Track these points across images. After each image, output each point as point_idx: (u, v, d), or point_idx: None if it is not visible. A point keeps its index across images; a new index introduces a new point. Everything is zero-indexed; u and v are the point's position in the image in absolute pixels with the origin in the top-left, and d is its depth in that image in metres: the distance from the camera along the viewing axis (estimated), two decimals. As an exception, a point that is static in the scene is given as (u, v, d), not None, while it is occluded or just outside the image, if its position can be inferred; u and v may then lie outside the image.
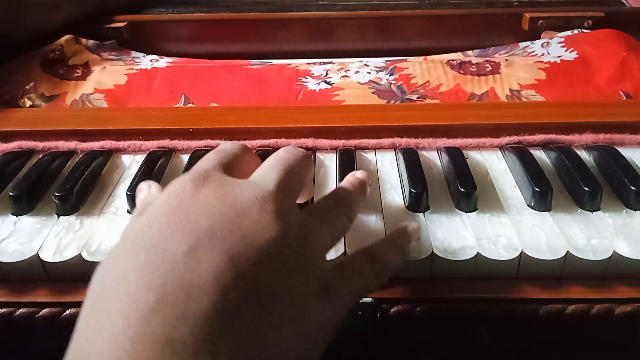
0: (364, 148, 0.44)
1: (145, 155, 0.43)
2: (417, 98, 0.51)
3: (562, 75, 0.53)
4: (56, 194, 0.38)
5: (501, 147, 0.44)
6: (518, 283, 0.35)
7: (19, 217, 0.38)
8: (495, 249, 0.34)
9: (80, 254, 0.34)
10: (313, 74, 0.55)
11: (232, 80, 0.54)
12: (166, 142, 0.45)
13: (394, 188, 0.40)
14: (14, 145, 0.45)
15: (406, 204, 0.38)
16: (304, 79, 0.54)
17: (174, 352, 0.20)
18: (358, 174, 0.34)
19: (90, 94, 0.54)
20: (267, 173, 0.29)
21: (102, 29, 0.63)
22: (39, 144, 0.45)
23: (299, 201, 0.32)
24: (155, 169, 0.41)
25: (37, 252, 0.35)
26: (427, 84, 0.53)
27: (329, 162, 0.43)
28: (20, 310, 0.34)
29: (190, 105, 0.52)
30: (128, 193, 0.38)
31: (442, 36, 0.64)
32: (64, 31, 0.61)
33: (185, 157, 0.43)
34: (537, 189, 0.37)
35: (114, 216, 0.38)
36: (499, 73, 0.54)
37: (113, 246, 0.26)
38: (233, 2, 0.69)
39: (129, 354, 0.20)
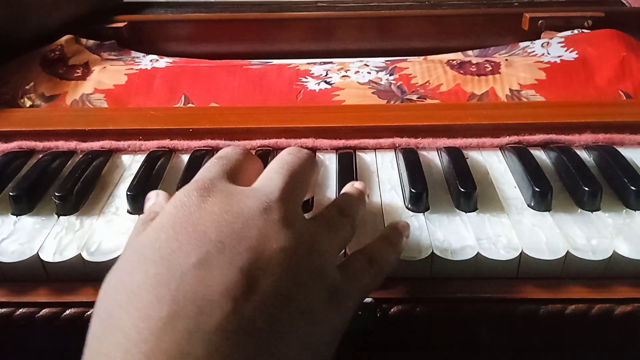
0: (364, 148, 0.44)
1: (145, 155, 0.43)
2: (417, 98, 0.51)
3: (562, 75, 0.53)
4: (56, 194, 0.38)
5: (501, 147, 0.44)
6: (518, 283, 0.35)
7: (19, 217, 0.38)
8: (495, 249, 0.34)
9: (80, 254, 0.34)
10: (313, 74, 0.55)
11: (232, 80, 0.54)
12: (166, 142, 0.44)
13: (394, 188, 0.40)
14: (14, 145, 0.45)
15: (406, 204, 0.38)
16: (304, 79, 0.54)
17: None
18: (357, 185, 0.35)
19: (90, 94, 0.54)
20: (272, 179, 0.29)
21: (102, 29, 0.63)
22: (39, 144, 0.45)
23: None
24: (155, 169, 0.41)
25: (37, 252, 0.35)
26: (427, 84, 0.53)
27: (329, 162, 0.43)
28: (20, 310, 0.34)
29: (190, 105, 0.52)
30: (128, 193, 0.38)
31: (442, 36, 0.64)
32: (64, 31, 0.61)
33: (185, 157, 0.43)
34: (537, 189, 0.37)
35: (114, 216, 0.38)
36: (499, 73, 0.54)
37: (119, 259, 0.25)
38: (233, 2, 0.69)
39: None
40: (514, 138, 0.44)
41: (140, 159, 0.43)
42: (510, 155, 0.42)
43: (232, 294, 0.22)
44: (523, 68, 0.54)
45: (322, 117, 0.46)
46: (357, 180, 0.39)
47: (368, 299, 0.33)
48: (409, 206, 0.38)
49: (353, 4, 0.66)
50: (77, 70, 0.57)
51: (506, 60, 0.56)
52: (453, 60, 0.57)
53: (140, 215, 0.31)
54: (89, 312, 0.34)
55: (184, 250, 0.24)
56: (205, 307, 0.22)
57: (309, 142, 0.44)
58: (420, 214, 0.37)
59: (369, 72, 0.55)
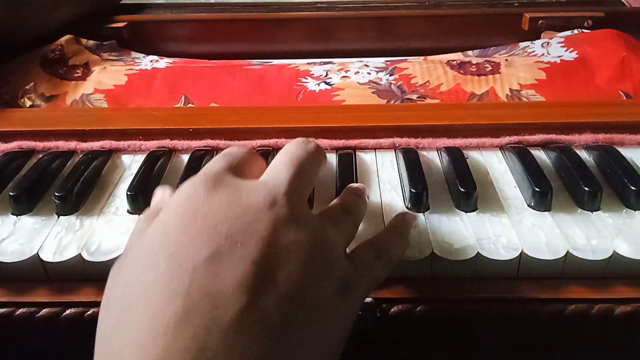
0: (364, 148, 0.44)
1: (145, 155, 0.43)
2: (417, 98, 0.51)
3: (562, 75, 0.53)
4: (56, 194, 0.38)
5: (501, 147, 0.44)
6: (518, 283, 0.35)
7: (19, 217, 0.38)
8: (495, 249, 0.34)
9: (80, 254, 0.34)
10: (313, 74, 0.55)
11: (232, 80, 0.54)
12: (166, 142, 0.44)
13: (394, 188, 0.40)
14: (14, 145, 0.45)
15: (406, 204, 0.38)
16: (304, 80, 0.54)
17: (206, 359, 0.20)
18: (356, 186, 0.35)
19: (90, 94, 0.54)
20: (279, 172, 0.28)
21: (102, 29, 0.63)
22: (39, 144, 0.45)
23: None
24: (155, 169, 0.41)
25: (37, 252, 0.35)
26: (427, 83, 0.53)
27: (329, 162, 0.43)
28: (20, 310, 0.34)
29: (190, 105, 0.52)
30: (128, 193, 0.38)
31: (442, 36, 0.64)
32: (64, 31, 0.61)
33: (185, 157, 0.43)
34: (537, 189, 0.37)
35: (114, 216, 0.38)
36: (499, 73, 0.54)
37: (125, 255, 0.25)
38: (233, 2, 0.69)
39: None
40: (514, 138, 0.44)
41: (140, 159, 0.43)
42: (510, 155, 0.42)
43: (246, 288, 0.22)
44: (523, 68, 0.54)
45: (322, 117, 0.46)
46: (357, 180, 0.40)
47: (368, 299, 0.33)
48: (409, 206, 0.38)
49: (353, 4, 0.67)
50: (77, 71, 0.57)
51: (506, 60, 0.56)
52: (453, 60, 0.57)
53: (145, 210, 0.31)
54: (89, 312, 0.34)
55: (195, 244, 0.23)
56: (220, 301, 0.22)
57: (309, 142, 0.44)
58: (420, 214, 0.37)
59: (369, 73, 0.55)
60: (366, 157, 0.44)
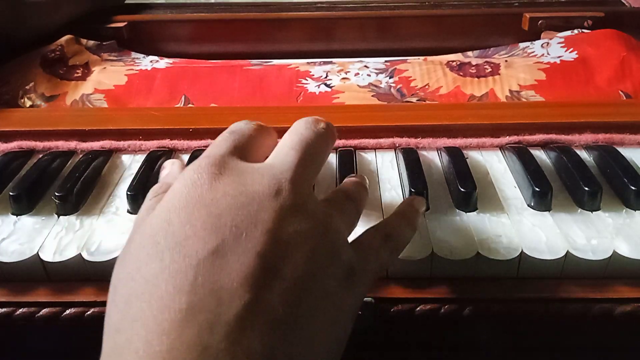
0: (364, 148, 0.44)
1: (145, 155, 0.43)
2: (417, 101, 0.51)
3: (562, 76, 0.53)
4: (56, 193, 0.38)
5: (501, 147, 0.44)
6: (518, 283, 0.35)
7: (19, 217, 0.38)
8: (495, 249, 0.34)
9: (80, 254, 0.34)
10: (313, 75, 0.55)
11: (232, 81, 0.54)
12: (166, 142, 0.44)
13: (394, 188, 0.40)
14: (14, 145, 0.45)
15: (406, 204, 0.38)
16: (304, 81, 0.54)
17: (211, 357, 0.20)
18: (357, 176, 0.34)
19: (90, 94, 0.54)
20: (287, 154, 0.28)
21: (102, 29, 0.63)
22: (39, 144, 0.45)
23: None
24: (155, 169, 0.41)
25: (37, 252, 0.35)
26: (427, 86, 0.53)
27: (329, 161, 0.43)
28: (20, 310, 0.34)
29: (190, 105, 0.52)
30: (128, 193, 0.38)
31: (442, 36, 0.64)
32: (64, 31, 0.61)
33: (186, 157, 0.43)
34: (537, 189, 0.37)
35: (114, 216, 0.38)
36: (499, 74, 0.54)
37: (129, 241, 0.25)
38: (233, 2, 0.69)
39: None
40: (514, 138, 0.44)
41: (140, 159, 0.43)
42: (510, 155, 0.42)
43: (251, 283, 0.22)
44: (523, 69, 0.54)
45: (322, 117, 0.46)
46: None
47: (368, 299, 0.33)
48: (409, 206, 0.38)
49: (353, 4, 0.67)
50: (77, 71, 0.57)
51: (506, 61, 0.56)
52: (453, 61, 0.57)
53: (153, 187, 0.30)
54: (89, 312, 0.34)
55: (199, 236, 0.23)
56: (225, 297, 0.21)
57: (309, 142, 0.44)
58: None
59: (368, 75, 0.55)
60: (366, 157, 0.44)
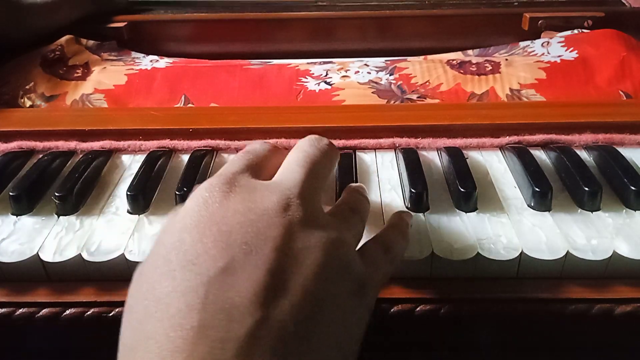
0: (364, 148, 0.44)
1: (145, 155, 0.43)
2: (417, 97, 0.51)
3: (562, 75, 0.53)
4: (56, 194, 0.38)
5: (501, 147, 0.44)
6: (518, 283, 0.35)
7: (19, 217, 0.38)
8: (495, 249, 0.34)
9: (80, 254, 0.34)
10: (313, 74, 0.55)
11: (232, 80, 0.54)
12: (166, 142, 0.44)
13: (394, 188, 0.40)
14: (14, 145, 0.45)
15: (406, 204, 0.38)
16: (304, 79, 0.54)
17: None
18: (356, 185, 0.35)
19: (90, 94, 0.54)
20: (293, 171, 0.28)
21: (102, 29, 0.63)
22: (39, 144, 0.45)
23: None
24: (155, 169, 0.41)
25: (37, 252, 0.35)
26: (427, 83, 0.53)
27: (329, 162, 0.43)
28: (20, 310, 0.34)
29: (190, 105, 0.52)
30: (128, 193, 0.38)
31: (442, 36, 0.64)
32: (64, 31, 0.61)
33: (185, 157, 0.43)
34: (537, 189, 0.37)
35: (114, 216, 0.38)
36: (499, 72, 0.54)
37: (144, 261, 0.25)
38: (233, 2, 0.69)
39: None
40: (514, 138, 0.44)
41: (140, 159, 0.43)
42: (510, 155, 0.42)
43: (261, 299, 0.22)
44: (523, 68, 0.54)
45: (322, 117, 0.46)
46: (357, 180, 0.40)
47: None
48: (409, 206, 0.38)
49: (353, 4, 0.66)
50: (77, 71, 0.57)
51: (506, 59, 0.56)
52: (453, 60, 0.57)
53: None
54: (89, 312, 0.34)
55: (210, 254, 0.23)
56: (235, 315, 0.22)
57: (309, 142, 0.44)
58: (420, 214, 0.37)
59: (369, 72, 0.55)
60: (366, 157, 0.44)
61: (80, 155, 0.44)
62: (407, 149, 0.43)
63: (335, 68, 0.56)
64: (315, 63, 0.57)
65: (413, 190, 0.37)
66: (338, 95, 0.52)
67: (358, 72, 0.55)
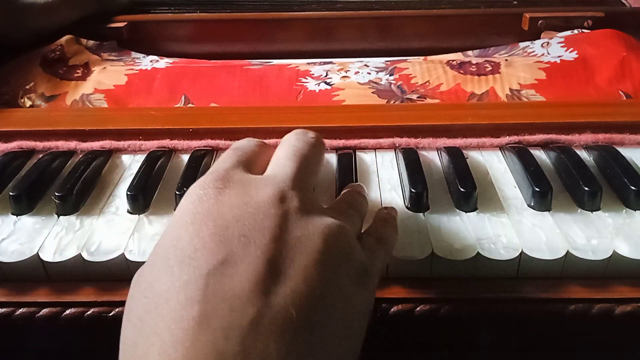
0: (364, 148, 0.44)
1: (145, 155, 0.43)
2: (417, 98, 0.51)
3: (562, 75, 0.53)
4: (56, 193, 0.38)
5: (501, 147, 0.44)
6: (518, 283, 0.35)
7: (19, 217, 0.38)
8: (495, 249, 0.34)
9: (80, 254, 0.34)
10: (313, 74, 0.55)
11: (232, 80, 0.54)
12: (166, 142, 0.44)
13: (394, 188, 0.40)
14: (14, 145, 0.45)
15: (406, 204, 0.38)
16: (304, 80, 0.54)
17: None
18: (355, 185, 0.35)
19: (90, 94, 0.54)
20: (284, 165, 0.29)
21: (102, 29, 0.63)
22: (39, 144, 0.45)
23: None
24: (155, 169, 0.41)
25: (37, 252, 0.35)
26: (427, 83, 0.53)
27: (329, 163, 0.43)
28: (20, 310, 0.34)
29: (190, 105, 0.52)
30: (128, 193, 0.38)
31: (442, 36, 0.64)
32: (64, 31, 0.61)
33: (185, 157, 0.43)
34: (537, 189, 0.37)
35: (114, 216, 0.38)
36: (499, 73, 0.54)
37: (144, 265, 0.25)
38: (233, 2, 0.69)
39: None
40: (514, 138, 0.44)
41: (140, 159, 0.43)
42: (510, 155, 0.42)
43: (262, 289, 0.22)
44: (523, 68, 0.54)
45: (322, 117, 0.46)
46: (356, 180, 0.40)
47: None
48: (409, 206, 0.38)
49: (353, 3, 0.66)
50: (77, 71, 0.57)
51: (506, 60, 0.56)
52: (453, 60, 0.57)
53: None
54: (89, 312, 0.34)
55: (208, 248, 0.23)
56: (237, 304, 0.22)
57: (309, 142, 0.44)
58: (420, 214, 0.37)
59: (369, 73, 0.55)
60: (366, 157, 0.44)
61: (80, 155, 0.44)
62: (407, 148, 0.43)
63: (335, 68, 0.56)
64: (315, 63, 0.57)
65: (413, 190, 0.37)
66: (338, 95, 0.52)
67: (358, 72, 0.55)
